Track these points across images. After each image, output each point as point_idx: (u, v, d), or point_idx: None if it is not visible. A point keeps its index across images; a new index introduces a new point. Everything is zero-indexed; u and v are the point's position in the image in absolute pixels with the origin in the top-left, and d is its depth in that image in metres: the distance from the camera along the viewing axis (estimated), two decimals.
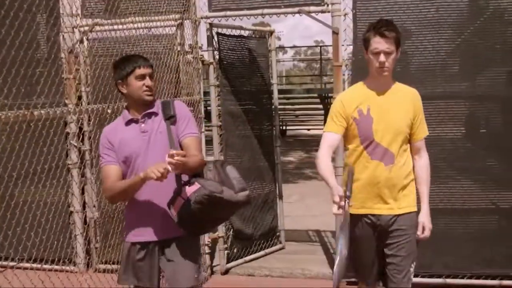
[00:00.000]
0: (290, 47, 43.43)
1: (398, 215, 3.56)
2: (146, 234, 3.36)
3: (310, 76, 33.84)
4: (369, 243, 3.61)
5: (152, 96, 3.39)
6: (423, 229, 3.58)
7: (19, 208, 5.10)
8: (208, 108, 6.24)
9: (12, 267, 4.92)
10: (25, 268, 5.13)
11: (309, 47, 41.60)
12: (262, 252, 6.39)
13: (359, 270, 3.75)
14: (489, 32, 5.41)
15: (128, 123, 3.40)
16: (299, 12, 5.52)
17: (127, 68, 3.33)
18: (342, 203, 3.26)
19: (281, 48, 32.99)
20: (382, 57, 3.45)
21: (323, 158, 3.54)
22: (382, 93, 3.58)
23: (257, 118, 6.41)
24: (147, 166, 3.14)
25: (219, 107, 5.98)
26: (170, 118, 3.39)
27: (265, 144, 6.51)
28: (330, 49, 21.91)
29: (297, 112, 22.49)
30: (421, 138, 3.66)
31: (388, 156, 3.54)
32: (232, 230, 6.10)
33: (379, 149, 3.54)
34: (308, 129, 22.32)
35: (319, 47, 25.58)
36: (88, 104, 5.75)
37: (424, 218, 3.60)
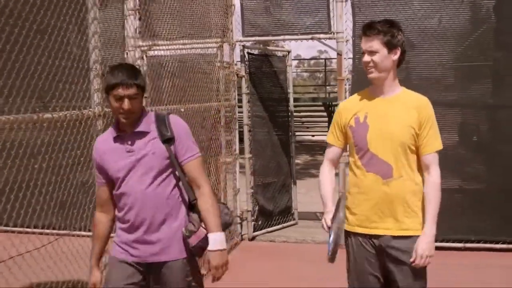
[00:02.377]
0: (298, 59, 44.93)
1: (401, 237, 3.22)
2: (134, 255, 3.14)
3: (314, 86, 35.53)
4: (369, 263, 3.31)
5: (130, 120, 3.05)
6: (416, 256, 3.17)
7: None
8: (240, 110, 7.94)
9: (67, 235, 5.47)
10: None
11: (313, 58, 43.00)
12: (279, 226, 8.06)
13: None
14: (486, 43, 6.70)
15: (115, 139, 3.12)
16: (312, 39, 7.22)
17: (106, 83, 3.03)
18: (326, 227, 3.27)
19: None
20: (365, 57, 3.26)
21: (323, 176, 3.46)
22: (383, 99, 3.31)
23: (277, 120, 8.13)
24: (133, 187, 3.05)
25: (249, 111, 7.68)
26: (169, 140, 3.09)
27: (283, 140, 8.21)
28: (333, 60, 23.58)
29: (303, 119, 24.06)
30: (429, 152, 3.24)
31: (384, 168, 3.22)
32: (257, 206, 7.77)
33: (374, 160, 3.24)
34: (313, 135, 23.90)
35: (321, 57, 27.15)
36: (146, 106, 7.39)
37: (418, 245, 3.18)
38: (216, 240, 3.05)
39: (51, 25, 4.34)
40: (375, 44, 3.23)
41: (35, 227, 5.67)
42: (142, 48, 7.58)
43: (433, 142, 3.25)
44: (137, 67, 6.00)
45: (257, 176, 7.85)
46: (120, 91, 2.96)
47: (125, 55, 7.63)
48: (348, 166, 3.47)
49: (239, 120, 7.85)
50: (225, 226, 3.22)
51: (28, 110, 3.68)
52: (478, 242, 6.81)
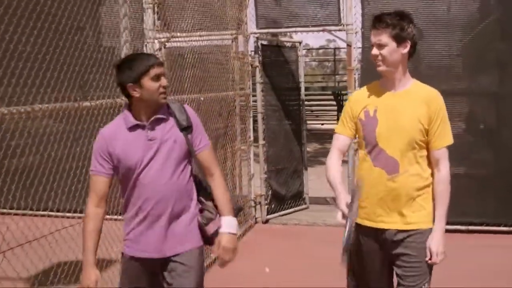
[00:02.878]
0: (307, 49, 45.12)
1: (406, 231, 3.22)
2: (150, 250, 3.10)
3: (323, 75, 35.78)
4: (374, 256, 3.34)
5: (166, 97, 3.10)
6: (430, 254, 3.18)
7: None
8: (254, 99, 8.29)
9: None
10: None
11: (321, 48, 43.23)
12: (291, 209, 8.44)
13: (364, 284, 3.44)
14: (492, 33, 6.97)
15: (132, 128, 3.06)
16: (323, 30, 7.56)
17: (139, 69, 2.98)
18: (346, 210, 3.09)
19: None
20: (373, 50, 3.22)
21: (331, 163, 3.37)
22: (394, 94, 3.27)
23: (289, 108, 8.49)
24: (153, 177, 3.03)
25: (263, 100, 8.03)
26: (187, 128, 3.14)
27: (294, 128, 8.57)
28: (342, 50, 23.86)
29: (313, 108, 24.37)
30: (439, 147, 3.20)
31: (391, 163, 3.20)
32: (270, 191, 8.14)
33: (382, 155, 3.22)
34: (322, 124, 24.22)
35: (330, 45, 27.43)
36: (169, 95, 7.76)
37: (431, 242, 3.18)
38: (231, 222, 3.17)
39: (83, 21, 4.78)
40: (384, 37, 3.16)
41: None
42: (161, 40, 7.94)
43: (443, 137, 3.20)
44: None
45: (270, 162, 8.20)
46: (157, 70, 2.99)
47: (144, 47, 8.02)
48: (358, 159, 3.45)
49: (253, 108, 8.21)
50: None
51: (71, 100, 4.10)
52: (481, 225, 7.14)
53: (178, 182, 3.09)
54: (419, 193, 3.21)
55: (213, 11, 7.24)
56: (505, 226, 7.08)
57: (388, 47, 3.17)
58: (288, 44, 8.84)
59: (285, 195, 8.37)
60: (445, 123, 3.23)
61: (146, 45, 7.85)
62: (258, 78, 7.97)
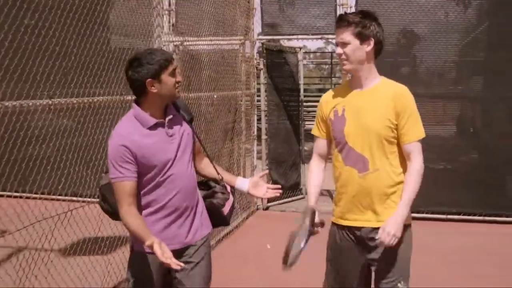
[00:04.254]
0: (305, 52, 45.80)
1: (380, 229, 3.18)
2: (174, 242, 3.12)
3: (320, 77, 36.62)
4: (350, 254, 3.33)
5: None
6: (383, 231, 3.11)
7: None
8: (258, 99, 9.18)
9: None
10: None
11: (318, 51, 43.89)
12: (289, 199, 9.29)
13: (340, 283, 3.43)
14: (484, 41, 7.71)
15: (153, 127, 3.06)
16: (321, 38, 8.45)
17: (159, 63, 2.98)
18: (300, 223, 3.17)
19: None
20: (337, 49, 3.23)
21: (310, 173, 3.50)
22: (361, 92, 3.27)
23: (289, 107, 9.38)
24: (179, 171, 3.09)
25: (266, 99, 8.94)
26: (191, 121, 3.29)
27: (294, 125, 9.46)
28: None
29: (309, 109, 25.13)
30: (410, 141, 3.19)
31: (361, 162, 3.21)
32: (271, 181, 9.01)
33: (352, 154, 3.23)
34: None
35: (327, 47, 28.23)
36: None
37: (387, 222, 3.13)
38: (242, 178, 3.47)
39: (97, 23, 5.32)
40: (346, 35, 3.16)
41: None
42: (175, 43, 8.73)
43: (413, 131, 3.19)
44: None
45: (271, 155, 9.07)
46: (174, 65, 3.04)
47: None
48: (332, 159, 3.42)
49: (257, 107, 9.11)
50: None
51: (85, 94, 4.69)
52: (459, 214, 7.90)
53: (192, 173, 3.21)
54: (392, 190, 3.20)
55: (225, 19, 8.07)
56: (480, 215, 7.85)
57: (351, 45, 3.17)
58: (290, 50, 9.75)
59: (284, 185, 9.23)
60: (414, 117, 3.20)
61: (161, 47, 8.70)
62: (262, 79, 8.87)
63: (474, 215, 7.89)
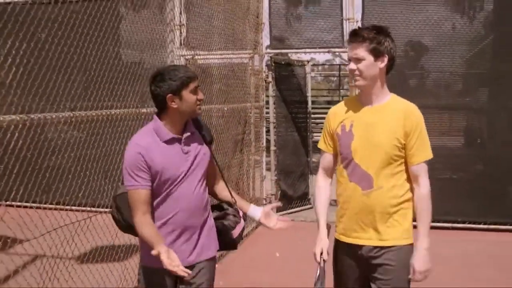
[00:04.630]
0: (313, 64, 46.08)
1: (382, 248, 3.16)
2: (180, 259, 3.01)
3: (328, 89, 36.80)
4: (351, 272, 3.30)
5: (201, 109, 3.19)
6: (414, 272, 3.13)
7: None
8: (267, 111, 9.42)
9: None
10: None
11: (326, 63, 44.10)
12: (298, 208, 9.51)
13: None
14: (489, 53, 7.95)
15: (169, 142, 3.10)
16: (328, 52, 8.69)
17: (181, 80, 3.03)
18: (319, 259, 3.20)
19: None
20: (350, 64, 3.16)
21: (319, 188, 3.42)
22: (370, 108, 3.20)
23: (298, 118, 9.63)
24: (186, 190, 3.10)
25: (274, 111, 9.19)
26: (211, 142, 3.31)
27: (302, 136, 9.69)
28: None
29: (317, 121, 25.34)
30: (417, 162, 3.13)
31: (365, 179, 3.14)
32: (280, 191, 9.24)
33: (357, 170, 3.17)
34: None
35: (335, 59, 28.39)
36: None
37: (415, 261, 3.12)
38: (255, 206, 3.46)
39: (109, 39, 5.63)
40: (361, 51, 3.11)
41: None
42: (186, 57, 8.97)
43: (421, 152, 3.14)
44: None
45: (280, 166, 9.30)
46: (196, 83, 3.07)
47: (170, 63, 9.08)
48: (336, 174, 3.38)
49: (266, 118, 9.36)
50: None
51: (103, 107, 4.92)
52: (464, 223, 8.12)
53: (203, 193, 3.20)
54: (395, 209, 3.14)
55: (234, 34, 8.32)
56: (484, 224, 8.07)
57: (365, 61, 3.11)
58: (298, 63, 10.01)
59: (293, 195, 9.47)
60: (423, 138, 3.16)
61: (173, 61, 8.95)
62: (271, 92, 9.12)
63: (478, 223, 8.09)
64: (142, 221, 3.05)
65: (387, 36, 3.17)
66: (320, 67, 46.56)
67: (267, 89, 9.26)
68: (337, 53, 8.86)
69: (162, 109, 3.12)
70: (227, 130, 7.63)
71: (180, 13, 7.16)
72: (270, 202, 9.16)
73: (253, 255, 7.15)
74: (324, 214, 3.34)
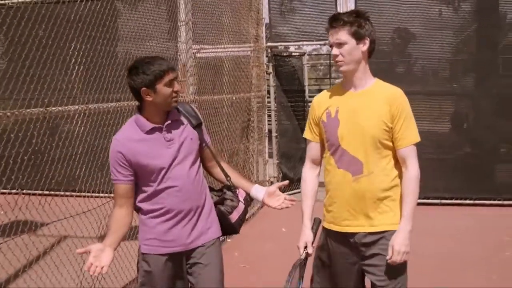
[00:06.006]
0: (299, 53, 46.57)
1: (374, 234, 3.12)
2: (177, 245, 3.16)
3: (315, 78, 37.34)
4: (344, 260, 3.24)
5: (177, 102, 3.14)
6: (392, 252, 3.04)
7: None
8: (268, 100, 10.13)
9: None
10: None
11: (315, 52, 44.53)
12: (298, 190, 10.06)
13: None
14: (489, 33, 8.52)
15: (149, 132, 3.09)
16: (325, 44, 9.39)
17: (154, 74, 2.99)
18: (302, 252, 3.18)
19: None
20: (333, 50, 3.10)
21: (304, 181, 3.40)
22: (354, 94, 3.16)
23: (297, 106, 10.36)
24: (177, 176, 3.09)
25: (275, 100, 9.91)
26: (199, 125, 3.26)
27: (300, 123, 10.40)
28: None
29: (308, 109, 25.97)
30: (405, 145, 3.09)
31: (355, 165, 3.09)
32: (281, 174, 9.96)
33: (345, 156, 3.11)
34: None
35: (322, 48, 28.85)
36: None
37: (394, 241, 3.05)
38: (259, 186, 3.43)
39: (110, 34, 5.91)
40: (342, 35, 3.06)
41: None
42: (193, 51, 9.50)
43: (408, 135, 3.09)
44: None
45: (281, 151, 10.04)
46: (171, 75, 3.03)
47: (178, 56, 9.67)
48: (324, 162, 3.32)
49: (267, 107, 10.08)
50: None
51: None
52: (451, 199, 8.80)
53: (196, 177, 3.20)
54: (386, 194, 3.11)
55: (239, 29, 8.95)
56: (470, 199, 8.78)
57: (348, 45, 3.07)
58: (296, 54, 10.71)
59: (293, 178, 10.19)
60: (409, 121, 3.11)
61: (179, 54, 9.56)
62: (271, 82, 9.83)
63: (465, 199, 8.79)
64: (113, 213, 3.17)
65: (367, 19, 3.15)
66: (307, 57, 46.64)
67: (268, 79, 9.94)
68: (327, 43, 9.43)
69: (139, 101, 3.14)
70: (235, 118, 8.29)
71: (187, 12, 7.59)
72: (272, 183, 9.83)
73: (262, 230, 7.79)
74: (309, 207, 3.33)
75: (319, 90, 24.76)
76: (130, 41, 8.06)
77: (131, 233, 5.32)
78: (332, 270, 3.33)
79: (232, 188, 3.35)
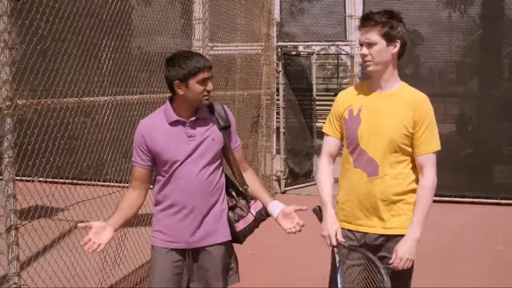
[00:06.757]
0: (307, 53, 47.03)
1: (386, 236, 3.10)
2: (180, 241, 3.15)
3: (323, 77, 37.71)
4: (358, 259, 3.15)
5: (209, 100, 3.12)
6: (395, 257, 3.04)
7: None
8: (277, 98, 10.51)
9: None
10: None
11: (324, 53, 44.91)
12: (303, 184, 10.61)
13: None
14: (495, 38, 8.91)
15: (173, 123, 3.11)
16: (332, 45, 9.77)
17: (188, 69, 3.00)
18: (332, 242, 3.12)
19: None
20: (362, 49, 3.06)
21: (322, 174, 3.27)
22: (380, 94, 3.12)
23: (304, 103, 10.73)
24: (188, 171, 3.08)
25: (284, 97, 10.30)
26: (226, 128, 3.21)
27: (307, 120, 10.78)
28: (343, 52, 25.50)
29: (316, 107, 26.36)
30: (425, 152, 3.05)
31: (371, 166, 3.07)
32: (288, 168, 10.34)
33: (363, 156, 3.10)
34: (324, 122, 26.21)
35: (331, 48, 29.21)
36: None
37: (399, 246, 3.04)
38: (278, 203, 3.22)
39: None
40: (373, 35, 3.01)
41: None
42: (207, 48, 9.86)
43: (428, 142, 3.04)
44: None
45: (288, 147, 10.41)
46: (206, 74, 3.02)
47: None
48: (342, 158, 3.28)
49: (276, 104, 10.45)
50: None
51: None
52: (450, 196, 9.16)
53: (209, 178, 3.14)
54: (400, 198, 3.07)
55: (252, 29, 9.34)
56: (469, 197, 9.19)
57: (378, 46, 3.02)
58: (304, 54, 11.11)
59: (299, 172, 10.59)
60: (432, 128, 3.07)
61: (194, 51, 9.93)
62: (281, 80, 10.21)
63: (465, 197, 9.19)
64: (125, 193, 3.26)
65: (400, 21, 3.09)
66: (316, 56, 46.90)
67: (277, 77, 10.31)
68: (340, 46, 9.82)
69: (172, 93, 3.15)
70: (246, 113, 8.68)
71: (205, 11, 7.88)
72: (279, 178, 10.26)
73: (269, 221, 8.14)
74: (330, 197, 3.22)
75: (327, 89, 25.50)
76: (145, 37, 8.32)
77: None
78: (347, 273, 3.23)
79: (248, 197, 3.26)
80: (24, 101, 3.59)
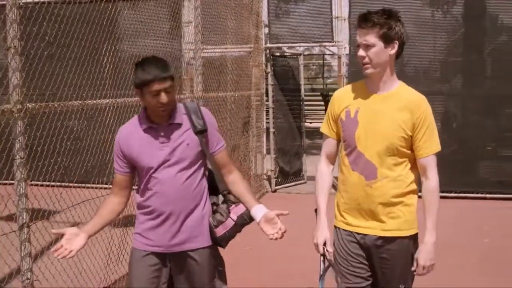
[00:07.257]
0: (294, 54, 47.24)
1: (385, 238, 3.08)
2: (159, 245, 3.12)
3: (307, 78, 38.00)
4: (357, 259, 3.17)
5: (167, 112, 3.02)
6: (417, 266, 3.08)
7: None
8: (266, 97, 10.70)
9: None
10: None
11: (307, 50, 45.16)
12: (293, 183, 10.82)
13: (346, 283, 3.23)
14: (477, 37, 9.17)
15: (147, 130, 3.07)
16: (319, 46, 9.99)
17: (142, 78, 2.91)
18: (321, 250, 3.11)
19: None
20: (360, 51, 2.99)
21: (320, 177, 3.27)
22: (377, 97, 3.06)
23: (293, 104, 10.93)
24: (164, 177, 3.05)
25: (273, 98, 10.49)
26: (202, 132, 3.11)
27: (296, 120, 11.00)
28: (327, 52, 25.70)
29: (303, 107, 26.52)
30: (426, 154, 3.02)
31: (369, 169, 3.04)
32: (278, 167, 10.55)
33: (360, 159, 3.06)
34: (310, 122, 26.49)
35: (315, 47, 29.43)
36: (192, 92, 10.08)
37: (419, 255, 3.07)
38: (262, 207, 3.11)
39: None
40: (371, 37, 2.94)
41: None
42: (196, 50, 10.00)
43: (429, 145, 3.02)
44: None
45: (278, 146, 10.61)
46: (156, 86, 2.90)
47: (183, 56, 10.21)
48: (339, 161, 3.24)
49: (266, 104, 10.66)
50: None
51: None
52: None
53: (186, 183, 3.08)
54: (399, 200, 3.05)
55: (241, 31, 9.53)
56: (454, 192, 9.41)
57: (376, 48, 2.96)
58: (292, 55, 11.29)
59: (289, 171, 10.80)
60: (432, 130, 3.04)
61: (183, 54, 10.10)
62: (270, 81, 10.41)
63: (449, 192, 9.35)
64: (106, 198, 3.25)
65: (398, 20, 3.01)
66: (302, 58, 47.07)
67: (266, 78, 10.51)
68: (327, 47, 10.04)
69: None
70: (237, 114, 8.86)
71: (197, 15, 8.01)
72: (269, 177, 10.46)
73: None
74: (325, 204, 3.23)
75: (312, 89, 25.70)
76: (130, 40, 8.39)
77: None
78: (347, 273, 3.23)
79: (229, 201, 3.17)
80: (33, 104, 3.75)
